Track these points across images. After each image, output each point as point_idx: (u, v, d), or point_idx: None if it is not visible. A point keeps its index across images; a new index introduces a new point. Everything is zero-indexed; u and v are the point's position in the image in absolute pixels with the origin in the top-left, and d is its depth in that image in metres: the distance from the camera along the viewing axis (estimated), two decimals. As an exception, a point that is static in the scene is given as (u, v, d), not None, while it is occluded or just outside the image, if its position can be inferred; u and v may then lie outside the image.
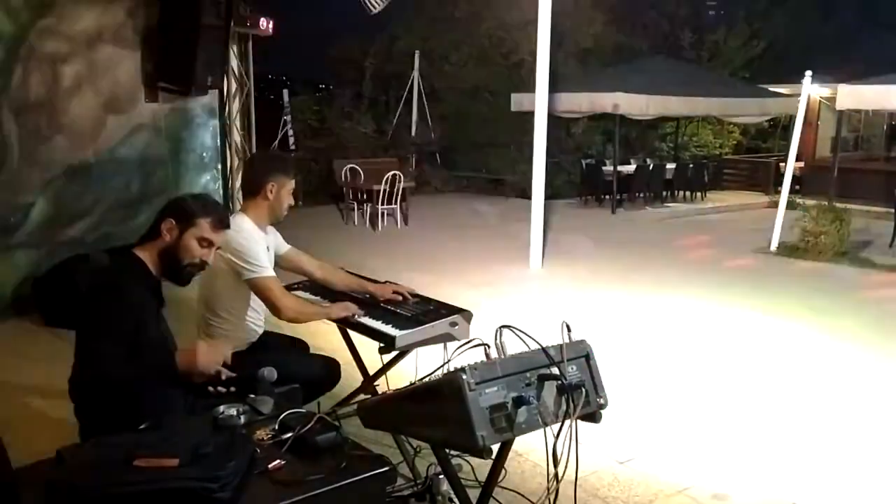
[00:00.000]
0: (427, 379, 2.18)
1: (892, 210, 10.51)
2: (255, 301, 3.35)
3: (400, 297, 3.46)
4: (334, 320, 3.40)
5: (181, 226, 2.59)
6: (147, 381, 2.44)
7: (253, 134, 7.56)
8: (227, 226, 2.75)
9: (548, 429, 2.13)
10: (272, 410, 2.37)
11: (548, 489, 2.15)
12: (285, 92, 15.42)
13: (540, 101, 8.36)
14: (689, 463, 3.81)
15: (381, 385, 3.53)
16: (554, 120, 11.64)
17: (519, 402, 2.04)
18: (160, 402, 2.44)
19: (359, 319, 3.31)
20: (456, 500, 2.46)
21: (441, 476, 2.75)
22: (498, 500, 2.93)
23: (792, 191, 10.77)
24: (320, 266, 3.65)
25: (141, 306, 2.54)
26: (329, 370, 3.41)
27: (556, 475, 2.12)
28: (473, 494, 2.45)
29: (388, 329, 3.15)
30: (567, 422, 2.13)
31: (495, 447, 2.08)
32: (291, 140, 14.92)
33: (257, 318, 3.43)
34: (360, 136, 15.70)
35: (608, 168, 14.27)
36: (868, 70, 11.87)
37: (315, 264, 3.64)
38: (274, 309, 3.20)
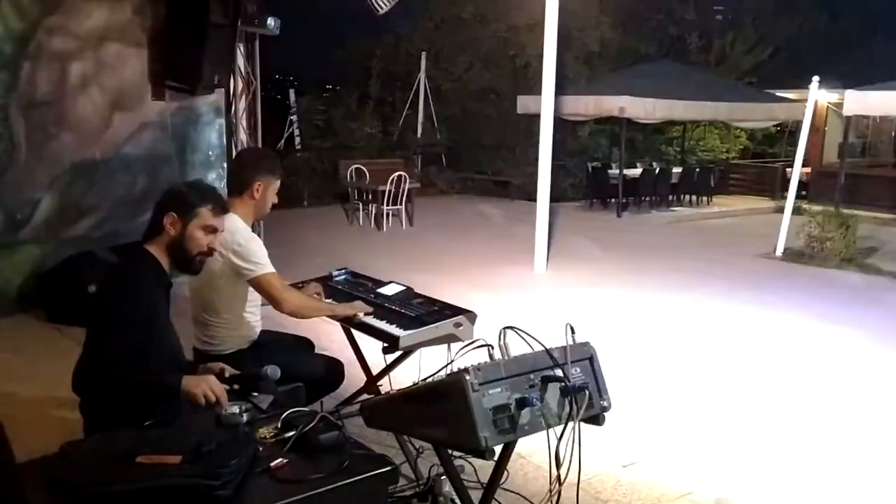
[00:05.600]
0: (430, 379, 2.18)
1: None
2: (253, 297, 3.34)
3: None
4: (340, 319, 3.39)
5: (184, 218, 2.60)
6: (151, 377, 2.45)
7: (259, 133, 7.55)
8: (227, 209, 2.78)
9: (551, 431, 2.12)
10: (274, 408, 2.37)
11: (550, 492, 2.15)
12: (292, 92, 15.44)
13: (546, 104, 8.36)
14: (692, 467, 3.80)
15: (385, 385, 3.53)
16: (560, 123, 11.63)
17: (522, 403, 2.04)
18: (164, 399, 2.44)
19: (363, 319, 3.31)
20: (458, 501, 2.45)
21: (443, 477, 2.75)
22: (500, 502, 2.93)
23: (798, 196, 10.73)
24: None
25: (155, 302, 2.57)
26: (333, 370, 3.42)
27: (558, 478, 2.11)
28: (475, 496, 2.45)
29: (393, 329, 3.15)
30: (570, 424, 2.12)
31: (498, 448, 2.07)
32: (297, 140, 14.93)
33: (255, 315, 3.43)
34: (366, 137, 15.74)
35: (614, 171, 14.25)
36: (876, 75, 11.84)
37: None
38: (275, 303, 3.19)
